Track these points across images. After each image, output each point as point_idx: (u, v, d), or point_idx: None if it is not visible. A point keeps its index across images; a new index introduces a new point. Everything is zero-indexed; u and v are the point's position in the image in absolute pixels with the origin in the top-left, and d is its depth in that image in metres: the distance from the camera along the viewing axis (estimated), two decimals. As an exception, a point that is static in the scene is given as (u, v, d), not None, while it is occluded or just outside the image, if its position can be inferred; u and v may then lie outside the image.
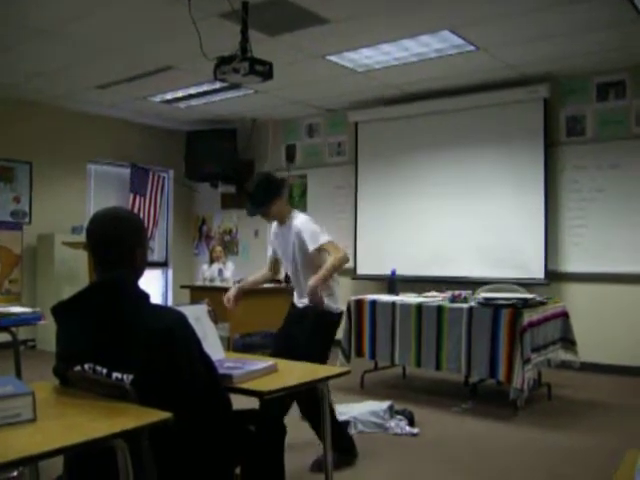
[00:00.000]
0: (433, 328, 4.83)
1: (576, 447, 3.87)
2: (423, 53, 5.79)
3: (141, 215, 8.43)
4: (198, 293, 7.29)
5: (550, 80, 6.43)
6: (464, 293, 5.00)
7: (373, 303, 5.24)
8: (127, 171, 8.73)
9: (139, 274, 2.03)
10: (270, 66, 4.39)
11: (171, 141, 9.18)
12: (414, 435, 4.11)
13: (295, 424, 3.20)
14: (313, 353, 3.17)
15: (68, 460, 1.92)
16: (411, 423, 4.27)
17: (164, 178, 9.23)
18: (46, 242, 7.64)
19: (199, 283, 7.78)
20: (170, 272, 9.56)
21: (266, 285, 7.43)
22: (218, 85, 6.60)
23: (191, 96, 7.44)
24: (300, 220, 3.48)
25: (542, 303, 4.88)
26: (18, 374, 3.36)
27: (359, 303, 5.33)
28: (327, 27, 5.11)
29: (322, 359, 3.32)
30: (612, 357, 6.05)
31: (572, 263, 6.41)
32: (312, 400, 3.36)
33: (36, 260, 7.77)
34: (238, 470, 2.19)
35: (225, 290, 3.77)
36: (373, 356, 5.27)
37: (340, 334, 4.76)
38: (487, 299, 4.70)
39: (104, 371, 1.75)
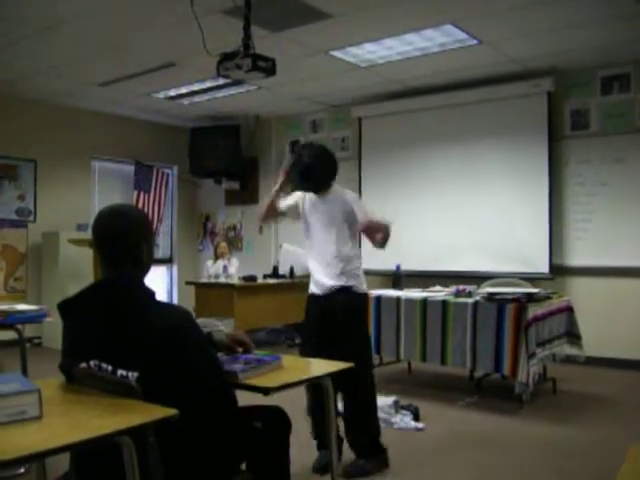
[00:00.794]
0: (438, 323, 4.83)
1: (581, 441, 3.87)
2: (426, 47, 5.78)
3: (145, 212, 8.44)
4: (203, 289, 7.31)
5: (554, 74, 6.41)
6: (469, 288, 4.99)
7: (378, 298, 5.23)
8: (131, 168, 8.74)
9: (145, 271, 2.03)
10: (273, 62, 4.38)
11: (175, 138, 9.18)
12: (419, 430, 4.12)
13: (300, 420, 3.20)
14: (364, 344, 3.19)
15: (74, 457, 1.93)
16: (416, 418, 4.27)
17: (168, 175, 9.24)
18: (51, 240, 7.65)
19: (204, 279, 7.79)
20: (175, 269, 9.58)
21: (270, 281, 7.50)
22: (221, 81, 6.60)
23: (194, 93, 7.44)
24: (350, 194, 3.55)
25: (547, 297, 4.87)
26: (24, 371, 3.37)
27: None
28: (330, 22, 5.10)
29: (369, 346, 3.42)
30: (617, 351, 6.04)
31: (577, 257, 6.39)
32: (352, 402, 3.40)
33: (41, 258, 7.79)
34: (244, 466, 2.20)
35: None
36: (378, 351, 5.26)
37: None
38: (492, 294, 4.70)
39: (109, 368, 1.75)
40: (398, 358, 5.27)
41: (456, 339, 4.73)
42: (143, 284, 1.97)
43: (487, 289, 4.95)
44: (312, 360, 2.57)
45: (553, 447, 3.78)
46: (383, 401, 4.33)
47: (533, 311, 4.52)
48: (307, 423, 3.47)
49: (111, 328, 1.84)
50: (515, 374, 4.41)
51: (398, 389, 5.01)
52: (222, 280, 7.35)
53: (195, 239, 9.81)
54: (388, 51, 5.89)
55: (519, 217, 6.56)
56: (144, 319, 1.84)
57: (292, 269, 7.44)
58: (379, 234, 3.37)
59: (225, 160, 8.69)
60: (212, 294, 7.09)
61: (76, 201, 8.14)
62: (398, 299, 5.11)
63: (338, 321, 3.38)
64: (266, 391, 2.04)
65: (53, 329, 5.92)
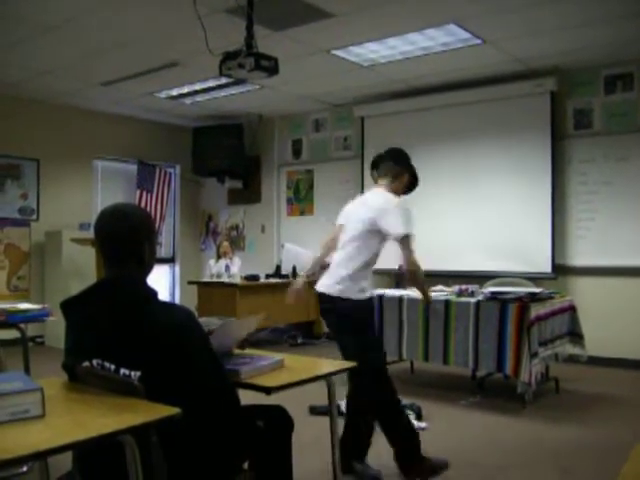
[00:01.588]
0: (440, 322, 4.83)
1: (584, 441, 3.87)
2: (429, 47, 5.77)
3: (148, 211, 8.44)
4: (205, 289, 7.31)
5: (557, 73, 6.40)
6: (471, 287, 4.98)
7: (380, 298, 5.23)
8: (134, 167, 8.75)
9: (148, 270, 2.02)
10: (275, 61, 4.38)
11: (177, 137, 9.19)
12: (422, 429, 4.11)
13: (303, 420, 3.20)
14: (357, 345, 3.20)
15: (77, 456, 1.93)
16: (419, 417, 4.27)
17: (171, 174, 9.25)
18: (54, 239, 7.66)
19: (206, 279, 7.80)
20: (177, 268, 9.59)
21: (272, 280, 7.49)
22: (224, 81, 6.60)
23: (197, 92, 7.45)
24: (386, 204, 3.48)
25: (550, 297, 4.87)
26: (27, 370, 3.38)
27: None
28: (332, 21, 5.10)
29: (372, 345, 3.38)
30: (620, 351, 6.03)
31: (579, 257, 6.38)
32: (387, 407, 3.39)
33: (44, 257, 7.81)
34: (246, 465, 2.20)
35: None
36: (380, 351, 5.26)
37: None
38: (494, 293, 4.69)
39: (112, 367, 1.76)
40: (400, 357, 5.26)
41: (458, 338, 4.72)
42: (146, 283, 1.97)
43: (489, 288, 4.94)
44: (315, 359, 2.58)
45: (555, 446, 3.78)
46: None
47: (536, 311, 4.51)
48: (311, 423, 3.47)
49: (114, 327, 1.84)
50: (518, 374, 4.41)
51: (400, 389, 4.95)
52: (224, 279, 7.35)
53: (198, 238, 9.81)
54: (391, 50, 5.88)
55: (522, 216, 6.55)
56: (147, 318, 1.84)
57: (294, 268, 7.44)
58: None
59: (228, 159, 8.69)
60: (214, 293, 7.09)
61: (79, 200, 8.15)
62: (400, 298, 5.11)
63: (331, 322, 3.45)
64: (268, 390, 2.04)
65: (56, 328, 5.93)
